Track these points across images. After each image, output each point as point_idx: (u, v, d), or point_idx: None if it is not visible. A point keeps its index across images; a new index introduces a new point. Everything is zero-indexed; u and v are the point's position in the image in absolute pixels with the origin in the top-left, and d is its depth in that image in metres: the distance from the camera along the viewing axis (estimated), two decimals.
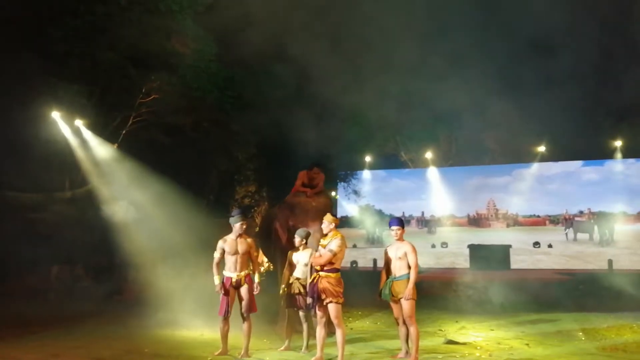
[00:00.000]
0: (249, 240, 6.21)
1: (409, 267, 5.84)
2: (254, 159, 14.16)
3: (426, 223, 18.58)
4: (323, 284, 5.53)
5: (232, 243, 6.08)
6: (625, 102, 14.14)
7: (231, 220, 6.17)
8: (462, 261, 15.95)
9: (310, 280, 5.74)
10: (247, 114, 12.53)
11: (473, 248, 15.83)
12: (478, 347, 6.76)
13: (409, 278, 5.81)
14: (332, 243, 5.59)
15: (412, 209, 18.79)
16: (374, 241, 18.44)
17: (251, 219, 14.17)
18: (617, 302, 10.15)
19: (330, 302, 5.51)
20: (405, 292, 5.73)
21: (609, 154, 16.52)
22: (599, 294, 11.17)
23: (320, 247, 5.75)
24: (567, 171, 17.29)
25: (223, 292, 5.99)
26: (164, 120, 12.32)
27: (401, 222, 6.07)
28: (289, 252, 6.64)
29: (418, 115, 15.67)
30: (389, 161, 19.05)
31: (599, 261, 15.37)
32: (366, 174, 18.72)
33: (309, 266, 6.04)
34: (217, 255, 6.09)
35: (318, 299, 5.55)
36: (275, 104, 12.38)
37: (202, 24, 11.84)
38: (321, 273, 5.58)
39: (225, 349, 6.07)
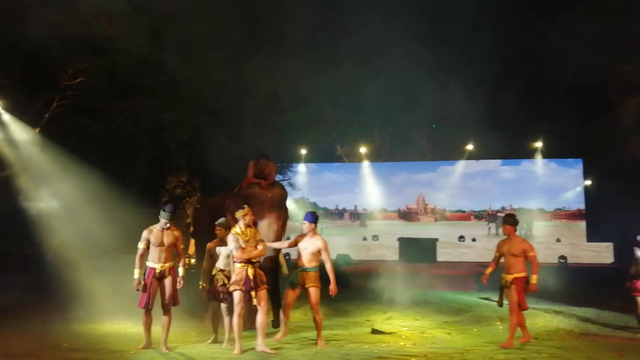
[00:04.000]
0: (176, 232, 6.06)
1: (318, 261, 6.33)
2: (185, 148, 13.80)
3: (359, 216, 18.96)
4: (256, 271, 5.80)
5: (158, 234, 5.92)
6: (548, 105, 15.02)
7: (162, 213, 5.98)
8: (392, 254, 16.39)
9: (240, 272, 5.74)
10: (180, 101, 12.19)
11: (402, 241, 16.28)
12: (403, 337, 7.00)
13: (318, 270, 6.30)
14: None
15: (346, 202, 19.11)
16: None
17: (182, 210, 13.85)
18: (533, 294, 10.77)
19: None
20: (330, 287, 6.18)
21: (530, 155, 17.57)
22: None
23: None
24: (487, 169, 18.26)
25: (142, 286, 5.80)
26: (91, 104, 11.75)
27: (314, 218, 6.44)
28: (209, 244, 6.57)
29: (353, 111, 15.91)
30: (325, 155, 19.23)
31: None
32: (301, 167, 18.80)
33: (231, 257, 5.99)
34: (141, 246, 5.89)
35: (255, 286, 5.70)
36: (209, 93, 12.12)
37: (135, 5, 11.36)
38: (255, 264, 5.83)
39: (149, 342, 5.91)
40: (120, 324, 7.33)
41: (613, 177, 15.55)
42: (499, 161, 18.11)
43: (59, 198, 11.19)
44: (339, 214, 19.09)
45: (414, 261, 14.82)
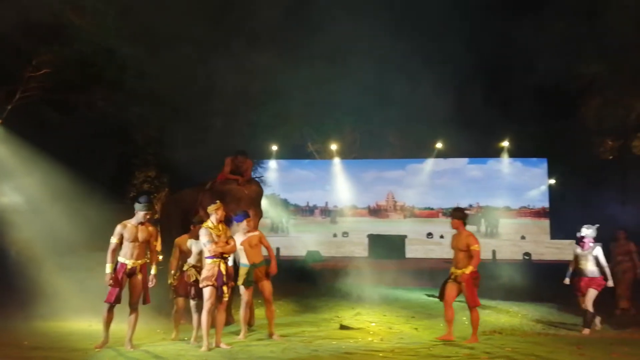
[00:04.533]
0: (151, 228, 5.92)
1: (262, 255, 6.52)
2: (154, 143, 13.56)
3: (329, 213, 19.03)
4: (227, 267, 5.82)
5: (132, 229, 5.75)
6: (515, 105, 15.35)
7: (137, 206, 5.82)
8: (362, 250, 16.53)
9: (212, 267, 5.72)
10: (148, 96, 11.98)
11: (372, 238, 16.43)
12: (371, 332, 7.06)
13: (268, 263, 6.48)
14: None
15: (316, 199, 19.16)
16: (278, 230, 18.56)
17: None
18: (499, 290, 11.01)
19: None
20: (272, 265, 6.47)
21: (497, 154, 17.94)
22: (482, 282, 12.04)
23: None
24: (455, 168, 18.59)
25: (113, 281, 5.70)
26: (56, 97, 11.43)
27: (247, 215, 6.47)
28: (178, 239, 6.51)
29: (325, 108, 15.93)
30: (296, 151, 19.20)
31: (485, 251, 16.55)
32: (272, 163, 18.75)
33: (203, 252, 5.94)
34: (114, 240, 5.71)
35: (226, 282, 5.74)
36: (179, 87, 11.95)
37: None
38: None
39: (106, 339, 5.76)
40: (85, 322, 7.18)
41: (576, 176, 16.04)
42: (466, 160, 18.45)
43: (22, 193, 10.86)
44: (309, 210, 19.13)
45: (383, 257, 14.96)
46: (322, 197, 19.16)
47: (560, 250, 16.29)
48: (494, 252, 16.29)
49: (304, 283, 12.32)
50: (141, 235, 5.79)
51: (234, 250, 5.93)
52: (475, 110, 14.72)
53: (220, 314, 5.86)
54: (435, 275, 12.96)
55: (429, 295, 10.36)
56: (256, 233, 6.55)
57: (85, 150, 12.23)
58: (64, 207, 10.00)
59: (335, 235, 18.12)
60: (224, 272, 5.70)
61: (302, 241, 17.30)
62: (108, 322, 5.76)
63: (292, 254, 16.40)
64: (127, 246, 5.75)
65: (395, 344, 6.26)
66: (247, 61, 12.43)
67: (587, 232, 7.48)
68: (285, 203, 18.98)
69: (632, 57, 11.84)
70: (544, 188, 17.97)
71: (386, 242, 16.19)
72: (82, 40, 11.14)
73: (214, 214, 5.83)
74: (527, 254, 15.54)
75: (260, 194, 7.75)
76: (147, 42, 11.90)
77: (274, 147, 18.16)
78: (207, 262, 5.74)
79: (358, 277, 11.98)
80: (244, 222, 6.37)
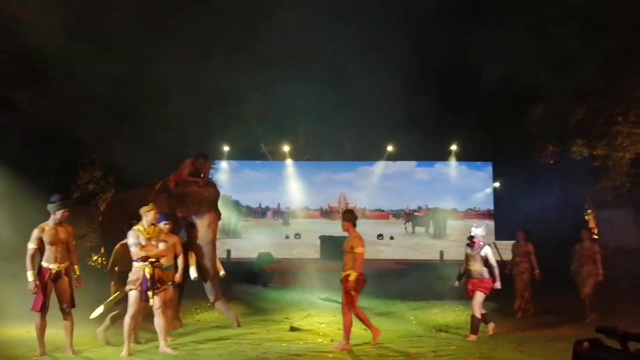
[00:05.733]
0: (69, 228, 5.77)
1: (176, 258, 6.49)
2: (100, 142, 13.09)
3: (281, 214, 18.96)
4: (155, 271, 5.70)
5: (52, 232, 5.55)
6: (463, 110, 15.79)
7: (52, 206, 5.60)
8: (314, 252, 16.56)
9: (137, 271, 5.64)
10: (96, 94, 11.58)
11: (324, 239, 16.47)
12: (321, 333, 7.11)
13: (176, 267, 6.46)
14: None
15: (269, 201, 19.05)
16: (229, 232, 18.33)
17: (95, 206, 13.16)
18: (445, 290, 11.31)
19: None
20: (177, 276, 6.39)
21: (445, 157, 18.42)
22: (430, 282, 12.35)
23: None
24: (404, 171, 18.99)
25: (38, 289, 5.44)
26: None
27: (166, 218, 6.42)
28: (119, 246, 6.36)
29: (279, 110, 15.90)
30: (249, 152, 19.02)
31: (433, 252, 17.07)
32: (224, 164, 18.52)
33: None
34: (33, 246, 5.46)
35: (153, 287, 5.61)
36: (128, 87, 11.61)
37: None
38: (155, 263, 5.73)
39: (43, 349, 5.54)
40: (23, 328, 6.86)
41: (519, 179, 16.67)
42: (414, 163, 18.86)
43: None
44: (261, 212, 19.00)
45: (334, 259, 14.95)
46: (274, 199, 19.07)
47: (503, 250, 16.85)
48: (441, 253, 16.72)
49: (255, 285, 12.27)
50: (62, 236, 5.63)
51: (161, 255, 5.77)
52: (425, 115, 15.05)
53: (162, 317, 5.73)
54: (385, 276, 13.22)
55: (322, 299, 10.45)
56: (173, 237, 6.50)
57: (28, 149, 11.67)
58: (4, 210, 9.52)
59: (287, 237, 18.08)
60: (148, 277, 5.55)
61: (253, 243, 17.15)
62: (42, 330, 5.54)
63: (243, 256, 16.24)
64: (49, 250, 5.54)
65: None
66: (200, 61, 12.25)
67: (477, 231, 7.10)
68: (237, 204, 18.78)
69: (573, 66, 12.41)
70: (489, 191, 18.56)
71: (338, 243, 15.99)
72: (25, 35, 10.66)
73: (145, 215, 5.71)
74: None
75: (218, 196, 7.79)
76: (95, 40, 11.53)
77: (226, 148, 17.95)
78: (134, 266, 5.62)
79: (309, 278, 12.02)
80: (168, 225, 6.37)
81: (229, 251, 16.19)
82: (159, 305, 5.67)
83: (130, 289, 5.57)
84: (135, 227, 5.67)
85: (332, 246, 16.13)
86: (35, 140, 11.96)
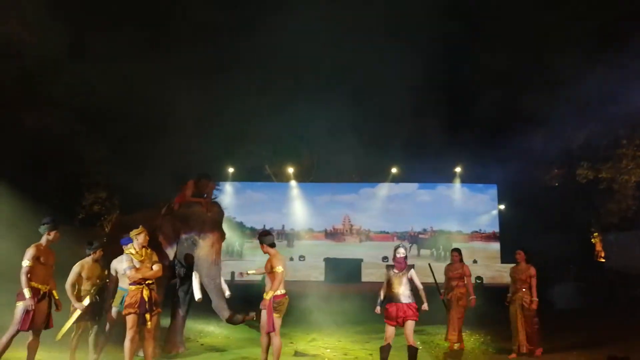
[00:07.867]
0: (53, 251, 5.82)
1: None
2: (104, 163, 13.13)
3: (286, 236, 18.91)
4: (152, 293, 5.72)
5: (46, 252, 5.63)
6: (467, 133, 15.86)
7: (44, 228, 5.68)
8: (318, 274, 16.45)
9: (135, 294, 5.63)
10: (98, 114, 11.67)
11: (328, 261, 16.40)
12: (326, 358, 7.01)
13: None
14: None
15: (273, 222, 19.01)
16: (233, 254, 18.27)
17: (100, 227, 13.16)
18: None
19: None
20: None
21: (450, 179, 18.40)
22: (436, 306, 12.18)
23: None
24: (407, 192, 18.95)
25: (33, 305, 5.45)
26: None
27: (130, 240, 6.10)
28: (79, 263, 6.32)
29: (284, 132, 16.00)
30: (253, 174, 19.12)
31: (438, 274, 16.87)
32: (228, 185, 18.55)
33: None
34: (29, 264, 5.46)
35: (150, 309, 5.64)
36: (132, 107, 11.71)
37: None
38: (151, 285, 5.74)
39: None
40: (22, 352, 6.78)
41: (524, 201, 16.62)
42: (416, 185, 18.83)
43: None
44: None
45: (339, 282, 14.93)
46: (278, 220, 19.05)
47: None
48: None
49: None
50: (51, 258, 5.71)
51: (157, 276, 5.78)
52: (429, 138, 15.11)
53: (148, 342, 5.74)
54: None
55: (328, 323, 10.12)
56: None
57: (32, 168, 11.72)
58: (10, 232, 9.51)
59: (291, 259, 17.99)
60: (146, 299, 5.58)
61: (257, 265, 16.98)
62: (34, 349, 5.58)
63: (248, 279, 16.01)
64: (41, 270, 5.58)
65: None
66: (206, 83, 12.37)
67: (401, 251, 6.54)
68: (241, 226, 18.76)
69: (573, 91, 12.48)
70: (494, 213, 18.49)
71: (342, 266, 16.17)
72: (27, 56, 10.78)
73: (135, 238, 5.72)
74: (479, 277, 15.85)
75: (222, 216, 7.78)
76: (98, 59, 11.67)
77: (231, 169, 18.01)
78: (130, 289, 5.63)
79: (313, 301, 11.89)
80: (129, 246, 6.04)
81: (232, 273, 16.07)
82: (150, 328, 5.72)
83: (129, 313, 5.52)
84: (127, 251, 5.69)
85: (337, 268, 16.07)
86: (37, 159, 12.02)
